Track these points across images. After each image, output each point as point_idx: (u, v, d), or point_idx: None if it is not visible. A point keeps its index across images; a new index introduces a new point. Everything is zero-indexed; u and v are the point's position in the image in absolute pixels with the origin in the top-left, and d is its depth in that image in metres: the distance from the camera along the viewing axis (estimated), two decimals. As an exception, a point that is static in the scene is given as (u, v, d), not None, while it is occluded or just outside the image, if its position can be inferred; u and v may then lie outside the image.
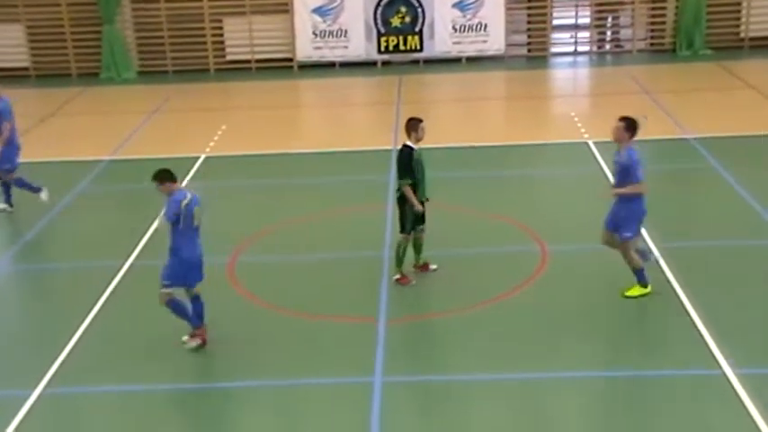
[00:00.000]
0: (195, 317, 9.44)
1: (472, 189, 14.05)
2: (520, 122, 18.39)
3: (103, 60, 23.41)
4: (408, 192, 10.33)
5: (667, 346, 9.21)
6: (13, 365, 9.41)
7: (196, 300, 9.41)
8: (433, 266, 10.93)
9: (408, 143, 10.34)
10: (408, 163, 10.26)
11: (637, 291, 10.14)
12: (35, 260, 12.21)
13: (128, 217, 14.17)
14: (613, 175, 10.10)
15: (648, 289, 10.13)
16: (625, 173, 9.74)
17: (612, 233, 10.08)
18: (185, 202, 9.09)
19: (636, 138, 9.76)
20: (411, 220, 10.45)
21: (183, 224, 9.08)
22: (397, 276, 10.71)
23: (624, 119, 9.76)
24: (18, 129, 14.01)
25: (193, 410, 8.54)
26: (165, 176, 9.23)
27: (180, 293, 9.34)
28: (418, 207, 10.35)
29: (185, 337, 9.45)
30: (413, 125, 10.34)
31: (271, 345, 9.59)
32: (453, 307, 10.13)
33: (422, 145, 10.45)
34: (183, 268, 9.18)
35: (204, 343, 9.37)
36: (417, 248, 10.84)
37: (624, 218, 9.90)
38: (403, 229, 10.55)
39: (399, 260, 10.68)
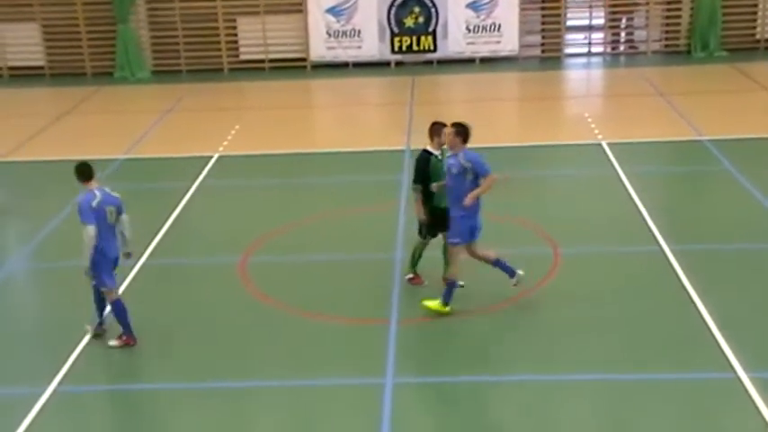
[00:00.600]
0: (100, 313, 9.64)
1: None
2: (533, 123, 18.35)
3: (118, 60, 23.50)
4: (417, 199, 10.25)
5: (681, 349, 9.15)
6: (26, 363, 9.45)
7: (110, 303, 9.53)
8: (461, 283, 10.32)
9: (429, 148, 10.19)
10: (424, 168, 10.12)
11: (435, 305, 9.81)
12: (47, 258, 12.25)
13: (140, 216, 14.08)
14: (449, 178, 9.75)
15: (447, 309, 9.79)
16: (463, 175, 9.51)
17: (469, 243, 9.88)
18: (95, 202, 9.11)
19: (468, 143, 9.63)
20: (425, 226, 10.37)
21: (99, 224, 9.08)
22: (410, 276, 10.70)
23: (455, 124, 9.68)
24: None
25: (205, 409, 8.53)
26: (78, 173, 9.32)
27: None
28: (422, 216, 10.24)
29: (113, 342, 9.53)
30: (436, 129, 10.13)
31: (281, 344, 9.59)
32: (465, 308, 10.10)
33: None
34: (110, 267, 9.34)
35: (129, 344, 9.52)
36: (446, 260, 10.38)
37: (455, 220, 9.71)
38: (419, 233, 10.52)
39: (414, 261, 10.64)
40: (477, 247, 9.93)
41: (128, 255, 9.61)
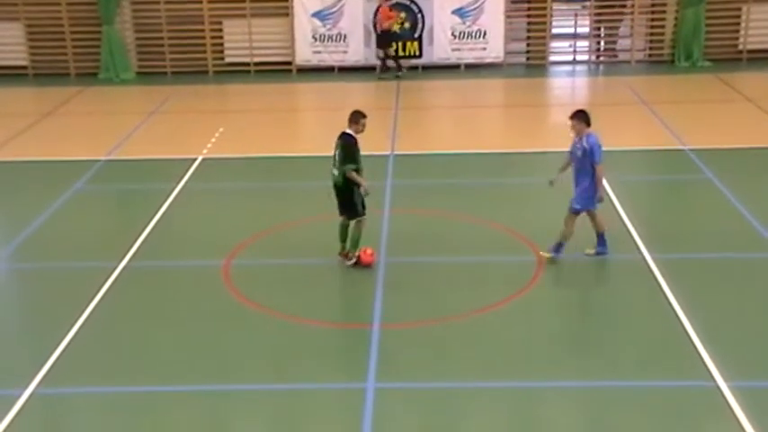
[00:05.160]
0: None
1: (469, 196, 14.05)
2: (517, 130, 18.41)
3: (102, 60, 23.40)
4: (354, 175, 10.97)
5: (661, 358, 9.19)
6: (4, 365, 9.37)
7: None
8: (349, 262, 11.25)
9: (349, 131, 11.11)
10: (353, 148, 11.04)
11: None
12: (29, 259, 12.16)
13: (123, 218, 14.17)
14: None
15: None
16: None
17: None
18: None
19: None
20: (362, 201, 11.09)
21: None
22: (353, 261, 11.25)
23: None
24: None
25: (185, 413, 8.49)
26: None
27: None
28: (366, 185, 11.02)
29: None
30: (355, 118, 11.13)
31: (263, 348, 9.56)
32: (448, 314, 10.12)
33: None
34: None
35: None
36: (343, 235, 11.32)
37: None
38: (356, 213, 11.14)
39: (355, 243, 11.24)
40: None
41: None
